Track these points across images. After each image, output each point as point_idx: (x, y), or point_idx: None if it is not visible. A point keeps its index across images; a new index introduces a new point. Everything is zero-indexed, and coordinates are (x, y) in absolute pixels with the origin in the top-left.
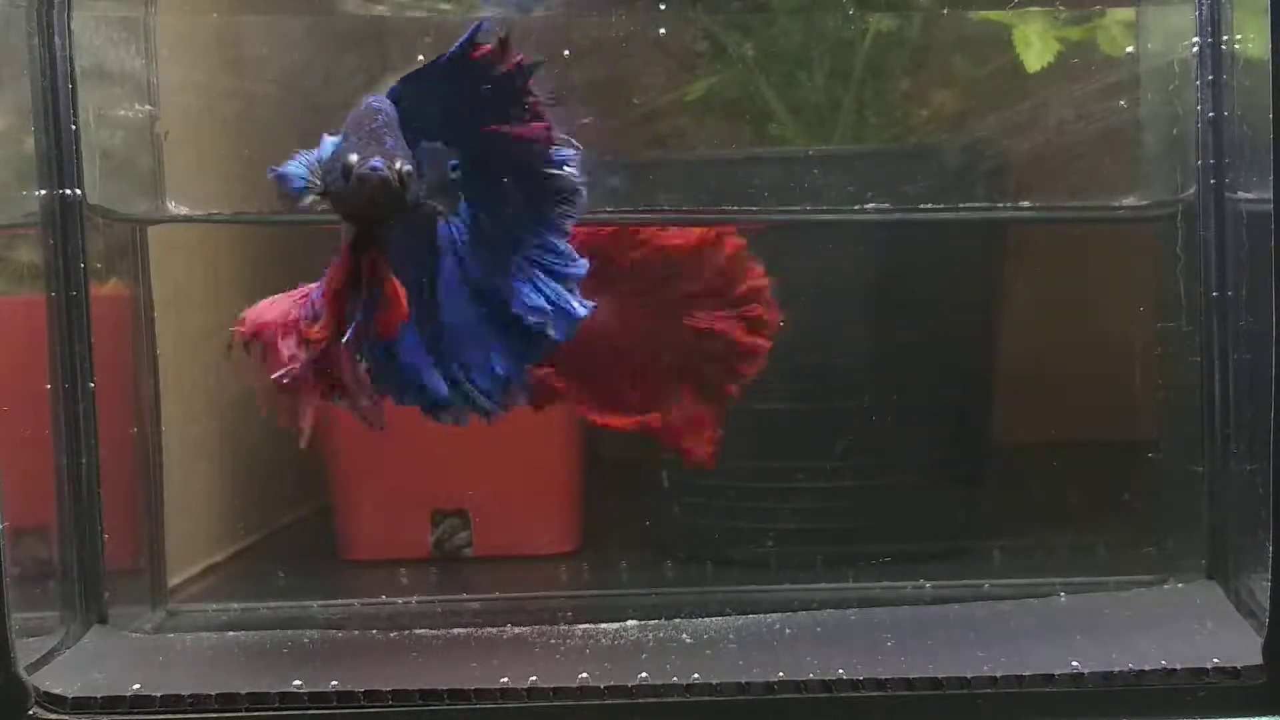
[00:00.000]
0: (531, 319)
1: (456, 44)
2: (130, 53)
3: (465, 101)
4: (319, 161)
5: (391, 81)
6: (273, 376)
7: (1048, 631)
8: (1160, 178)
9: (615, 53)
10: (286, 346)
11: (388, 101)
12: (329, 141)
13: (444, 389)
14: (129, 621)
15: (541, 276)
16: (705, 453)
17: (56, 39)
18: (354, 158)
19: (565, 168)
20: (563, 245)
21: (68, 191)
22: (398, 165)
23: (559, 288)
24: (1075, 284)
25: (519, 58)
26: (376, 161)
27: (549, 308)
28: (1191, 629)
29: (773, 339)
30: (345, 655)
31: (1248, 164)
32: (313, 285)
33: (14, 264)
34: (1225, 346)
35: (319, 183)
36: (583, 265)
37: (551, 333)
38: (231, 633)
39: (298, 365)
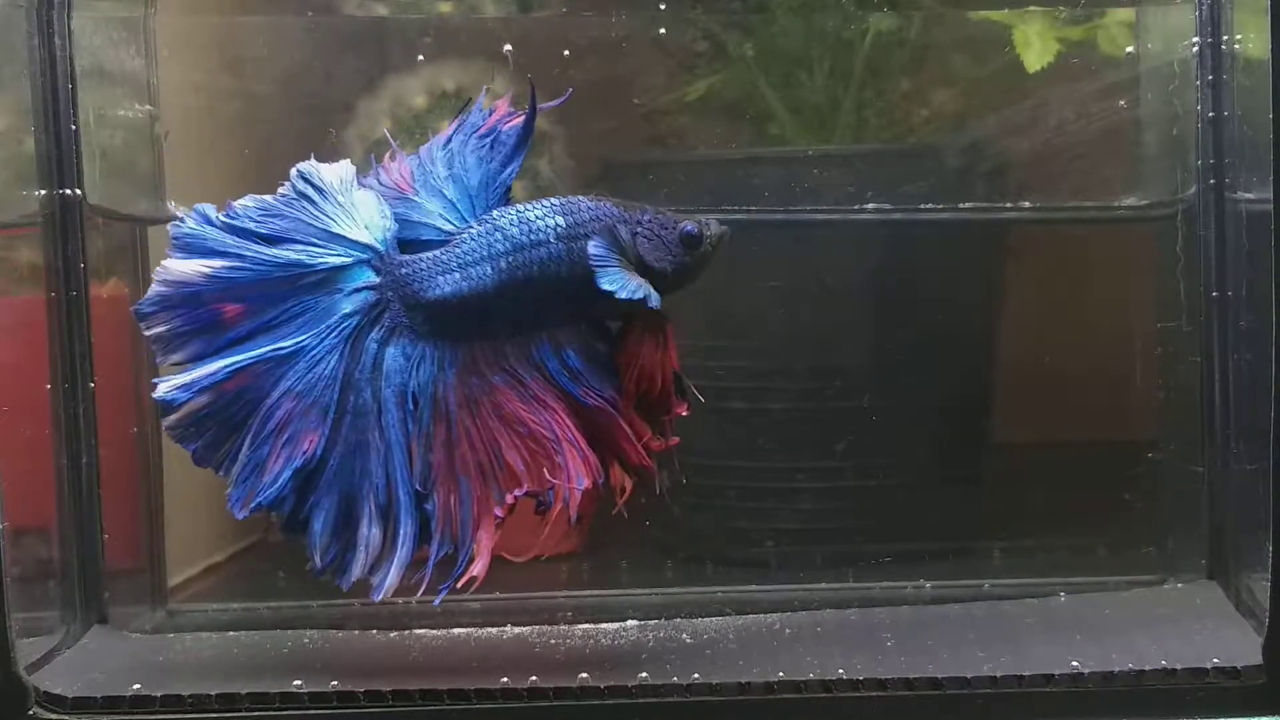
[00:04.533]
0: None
1: None
2: (130, 53)
3: None
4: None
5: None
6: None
7: (1048, 631)
8: (1160, 178)
9: (615, 52)
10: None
11: None
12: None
13: None
14: (129, 621)
15: None
16: None
17: (56, 39)
18: (692, 225)
19: None
20: None
21: (68, 191)
22: None
23: None
24: (1075, 284)
25: None
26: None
27: None
28: (1191, 629)
29: None
30: (345, 655)
31: (1248, 164)
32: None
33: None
34: (1225, 346)
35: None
36: None
37: None
38: (231, 633)
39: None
